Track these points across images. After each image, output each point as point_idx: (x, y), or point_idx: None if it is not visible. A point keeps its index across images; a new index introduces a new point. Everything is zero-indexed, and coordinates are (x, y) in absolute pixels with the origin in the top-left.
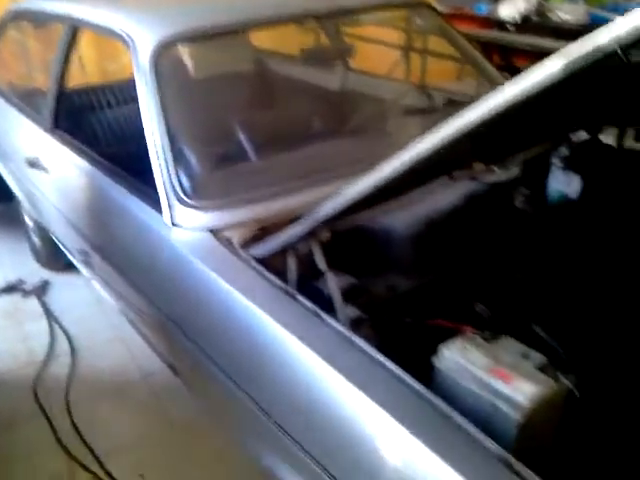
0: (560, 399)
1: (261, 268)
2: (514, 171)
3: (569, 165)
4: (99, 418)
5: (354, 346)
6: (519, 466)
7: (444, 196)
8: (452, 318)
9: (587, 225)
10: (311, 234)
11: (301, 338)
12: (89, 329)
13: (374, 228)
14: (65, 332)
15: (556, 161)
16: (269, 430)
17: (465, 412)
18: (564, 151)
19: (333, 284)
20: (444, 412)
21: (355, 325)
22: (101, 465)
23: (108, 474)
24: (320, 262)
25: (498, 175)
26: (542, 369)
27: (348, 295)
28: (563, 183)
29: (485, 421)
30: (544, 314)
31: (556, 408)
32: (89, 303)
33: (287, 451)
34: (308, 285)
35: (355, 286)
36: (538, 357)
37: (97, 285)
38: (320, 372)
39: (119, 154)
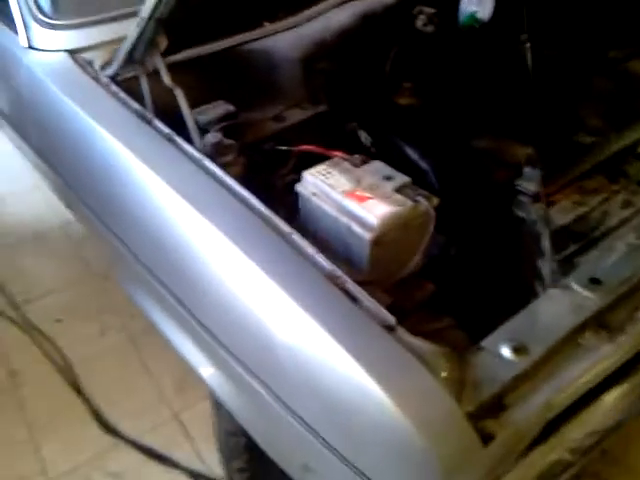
0: (416, 220)
1: (118, 90)
2: None
3: None
4: (18, 266)
5: (208, 173)
6: (350, 285)
7: (337, 15)
8: (335, 146)
9: (492, 48)
10: (149, 42)
11: (151, 166)
12: (8, 178)
13: (257, 50)
14: None
15: None
16: (132, 265)
17: (326, 236)
18: None
19: (182, 99)
20: (284, 233)
21: (215, 150)
22: (18, 310)
23: (25, 319)
24: (165, 76)
25: None
26: (400, 190)
27: (221, 121)
28: (474, 3)
29: (343, 244)
30: (425, 140)
31: (411, 229)
32: (10, 153)
33: (148, 285)
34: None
35: (230, 113)
36: (400, 179)
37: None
38: (169, 202)
39: None
